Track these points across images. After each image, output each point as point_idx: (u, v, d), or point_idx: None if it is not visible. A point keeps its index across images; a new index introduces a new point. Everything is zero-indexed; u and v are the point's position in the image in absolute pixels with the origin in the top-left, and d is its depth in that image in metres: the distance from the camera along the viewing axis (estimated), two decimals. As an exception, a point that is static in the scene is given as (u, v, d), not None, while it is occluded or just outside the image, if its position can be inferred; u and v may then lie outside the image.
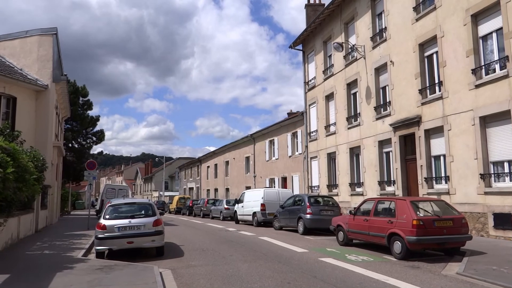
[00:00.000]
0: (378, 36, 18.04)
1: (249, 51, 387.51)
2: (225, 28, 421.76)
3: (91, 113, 36.81)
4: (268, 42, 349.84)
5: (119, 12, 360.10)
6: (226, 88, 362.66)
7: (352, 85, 20.29)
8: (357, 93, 19.73)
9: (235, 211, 23.24)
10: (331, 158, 22.14)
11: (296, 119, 27.18)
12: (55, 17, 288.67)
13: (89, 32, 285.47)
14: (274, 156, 30.58)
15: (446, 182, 13.92)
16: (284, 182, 28.42)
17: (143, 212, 10.90)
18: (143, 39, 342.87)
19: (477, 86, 12.59)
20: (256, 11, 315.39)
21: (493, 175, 12.22)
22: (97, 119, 37.25)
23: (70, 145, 35.05)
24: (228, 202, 27.45)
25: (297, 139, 27.06)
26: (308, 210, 15.38)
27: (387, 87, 17.50)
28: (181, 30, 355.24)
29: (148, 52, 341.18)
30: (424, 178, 14.75)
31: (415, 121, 15.22)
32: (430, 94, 14.89)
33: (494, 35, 12.35)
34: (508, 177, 11.80)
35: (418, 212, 9.41)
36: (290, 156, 27.71)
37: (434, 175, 14.66)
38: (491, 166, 12.32)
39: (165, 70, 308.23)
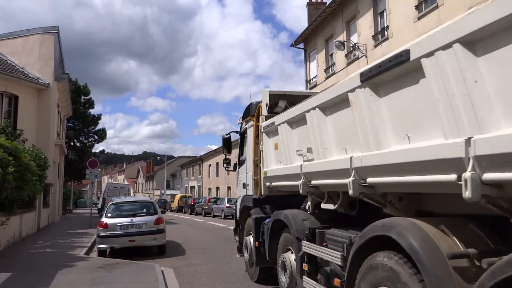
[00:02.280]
0: (380, 34, 18.00)
1: (252, 49, 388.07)
2: (228, 26, 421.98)
3: (92, 111, 36.86)
4: (272, 40, 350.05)
5: (123, 11, 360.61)
6: (229, 87, 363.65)
7: (353, 83, 20.24)
8: (358, 91, 19.67)
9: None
10: (333, 156, 22.06)
11: (297, 117, 27.11)
12: (59, 16, 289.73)
13: (93, 31, 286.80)
14: (275, 155, 30.48)
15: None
16: (285, 180, 28.35)
17: (144, 210, 10.93)
18: (147, 37, 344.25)
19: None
20: (259, 9, 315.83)
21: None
22: (98, 117, 37.28)
23: (72, 143, 35.09)
24: (229, 201, 27.41)
25: (298, 137, 27.00)
26: (310, 209, 15.31)
27: (389, 86, 17.46)
28: (184, 28, 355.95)
29: (151, 50, 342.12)
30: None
31: (417, 119, 15.16)
32: (432, 93, 14.84)
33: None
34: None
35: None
36: (291, 155, 27.64)
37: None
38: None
39: (168, 68, 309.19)
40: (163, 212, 15.94)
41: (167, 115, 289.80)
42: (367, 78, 3.38)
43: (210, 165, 48.20)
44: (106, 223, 10.13)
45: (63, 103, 23.61)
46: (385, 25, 17.60)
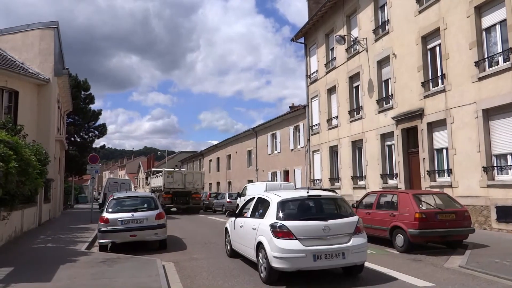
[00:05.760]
0: (381, 28, 17.93)
1: (254, 43, 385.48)
2: (230, 20, 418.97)
3: (93, 107, 36.75)
4: (274, 34, 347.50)
5: (124, 5, 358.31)
6: (230, 81, 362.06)
7: (354, 78, 20.20)
8: (359, 86, 19.64)
9: (237, 204, 23.25)
10: (333, 151, 22.12)
11: (298, 112, 27.12)
12: (60, 10, 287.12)
13: (94, 25, 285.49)
14: (276, 150, 30.57)
15: (448, 175, 13.90)
16: (286, 175, 28.44)
17: (145, 205, 10.94)
18: (148, 32, 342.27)
19: (480, 79, 12.52)
20: (261, 3, 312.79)
21: (496, 168, 12.19)
22: (99, 113, 37.18)
23: (72, 139, 35.07)
24: (230, 196, 27.49)
25: (299, 132, 27.03)
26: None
27: (389, 80, 17.42)
28: (186, 23, 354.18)
29: (153, 45, 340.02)
30: (427, 171, 14.73)
31: (418, 114, 15.17)
32: (432, 87, 14.81)
33: (498, 27, 12.25)
34: (511, 170, 11.77)
35: (420, 205, 9.41)
36: (292, 150, 27.69)
37: (436, 168, 14.64)
38: (494, 159, 12.29)
39: (170, 63, 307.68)
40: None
41: (168, 110, 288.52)
42: (153, 174, 34.08)
43: (210, 160, 48.21)
44: (107, 218, 10.15)
45: (63, 98, 23.57)
46: (386, 19, 17.52)
